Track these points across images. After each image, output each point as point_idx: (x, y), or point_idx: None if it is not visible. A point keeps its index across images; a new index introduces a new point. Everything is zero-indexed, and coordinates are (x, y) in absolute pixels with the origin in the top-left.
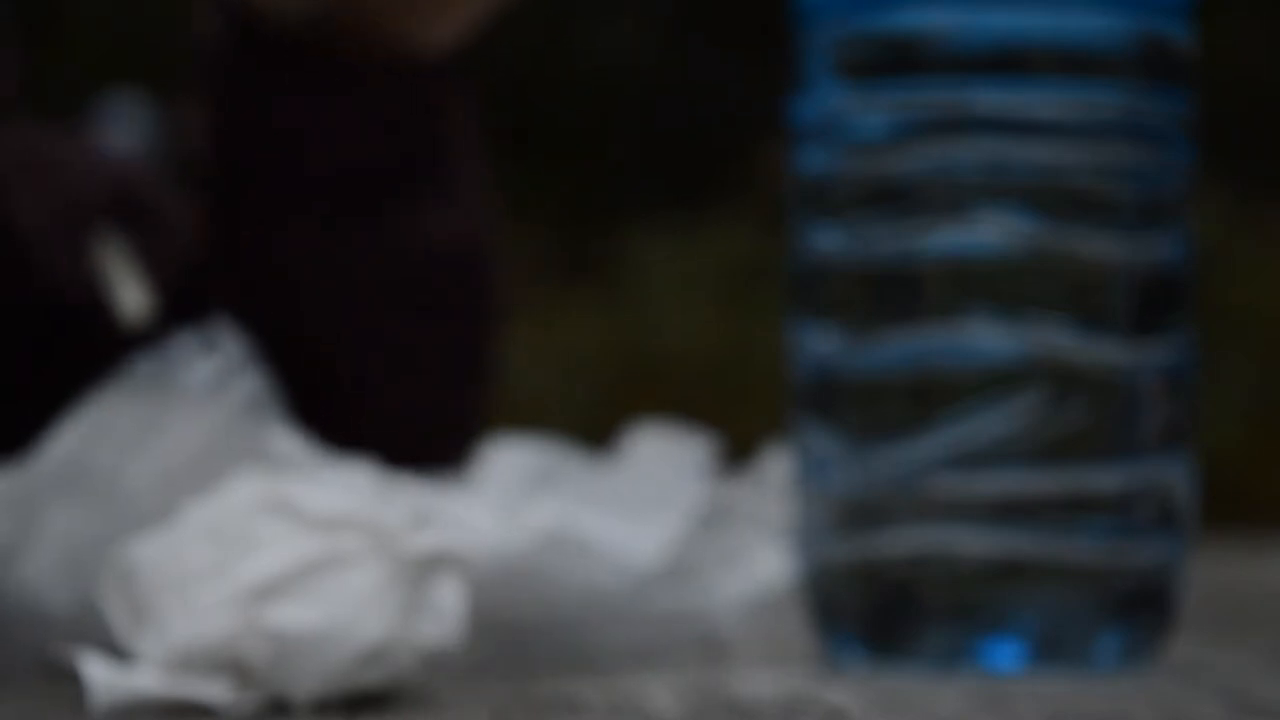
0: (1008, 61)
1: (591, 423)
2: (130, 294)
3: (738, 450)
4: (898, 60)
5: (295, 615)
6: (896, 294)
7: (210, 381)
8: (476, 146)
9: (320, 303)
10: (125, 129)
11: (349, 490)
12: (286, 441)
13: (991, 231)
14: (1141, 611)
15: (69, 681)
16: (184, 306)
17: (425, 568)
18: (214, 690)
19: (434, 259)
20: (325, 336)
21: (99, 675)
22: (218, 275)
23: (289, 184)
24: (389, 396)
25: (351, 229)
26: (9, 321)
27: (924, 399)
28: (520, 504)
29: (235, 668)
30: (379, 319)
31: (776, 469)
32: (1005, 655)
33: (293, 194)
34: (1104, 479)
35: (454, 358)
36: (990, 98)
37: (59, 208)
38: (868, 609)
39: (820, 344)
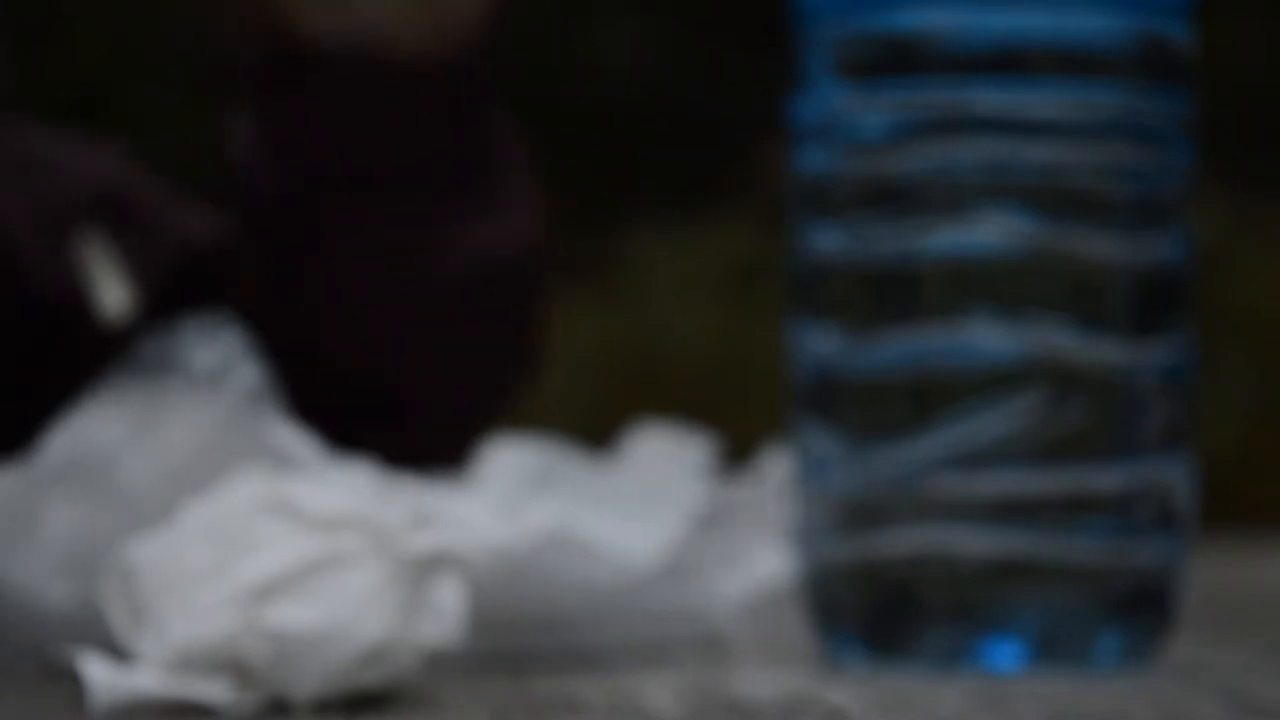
0: (1008, 61)
1: (591, 423)
2: (111, 292)
3: (738, 450)
4: (898, 60)
5: (295, 615)
6: (896, 294)
7: (210, 372)
8: (520, 150)
9: (363, 312)
10: None
11: (349, 490)
12: (286, 434)
13: (991, 231)
14: (1141, 611)
15: (69, 681)
16: (170, 305)
17: (425, 568)
18: (214, 690)
19: (480, 266)
20: (369, 345)
21: (99, 675)
22: (251, 283)
23: (329, 192)
24: (434, 402)
25: (394, 237)
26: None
27: (924, 399)
28: (520, 504)
29: (235, 668)
30: (425, 326)
31: (776, 469)
32: (1005, 655)
33: (333, 201)
34: (1104, 479)
35: (496, 363)
36: (990, 98)
37: (48, 207)
38: (868, 609)
39: (820, 344)
